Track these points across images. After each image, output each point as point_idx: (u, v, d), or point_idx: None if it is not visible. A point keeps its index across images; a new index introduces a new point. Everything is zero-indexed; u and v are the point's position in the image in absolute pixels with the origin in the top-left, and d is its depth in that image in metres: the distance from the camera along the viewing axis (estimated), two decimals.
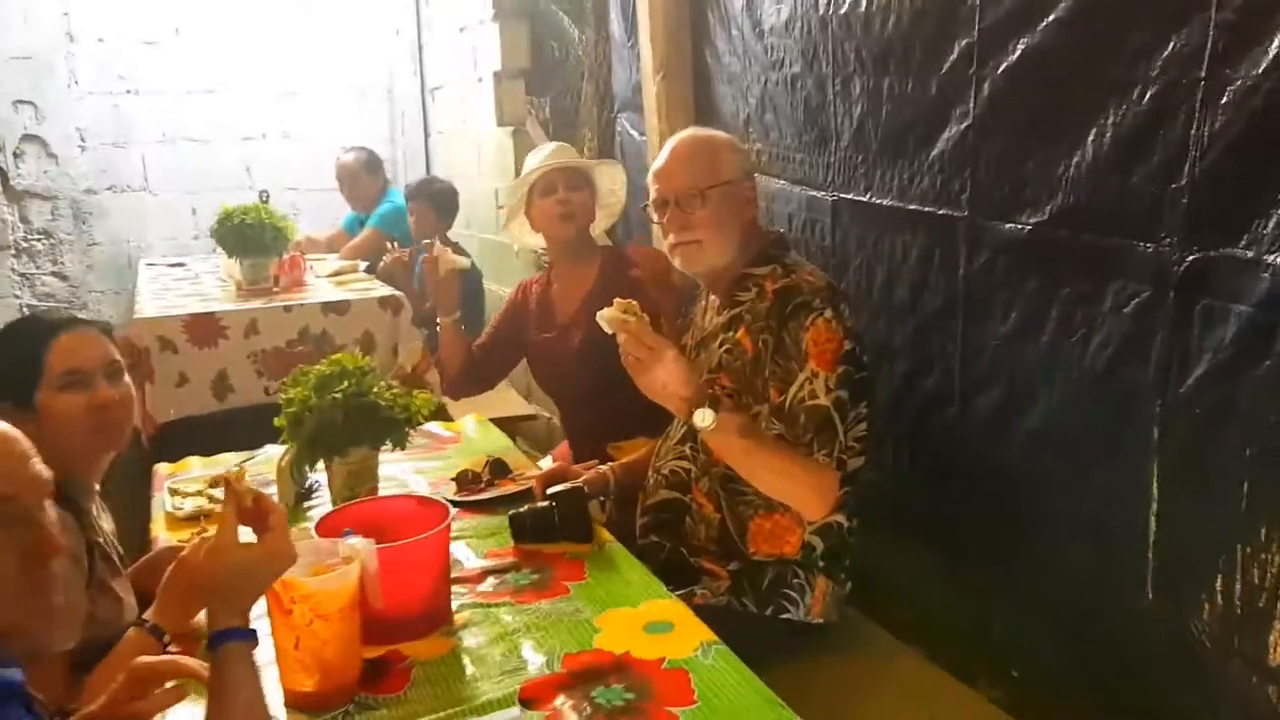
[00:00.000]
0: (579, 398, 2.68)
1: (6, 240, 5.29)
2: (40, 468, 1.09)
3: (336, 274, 4.31)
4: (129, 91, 5.35)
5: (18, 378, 1.61)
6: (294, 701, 1.44)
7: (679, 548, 2.03)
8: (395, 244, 4.33)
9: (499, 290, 4.60)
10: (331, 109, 5.76)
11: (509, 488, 2.23)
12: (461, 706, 1.43)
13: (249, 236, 3.80)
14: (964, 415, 2.07)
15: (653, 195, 2.00)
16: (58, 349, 1.63)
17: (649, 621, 1.66)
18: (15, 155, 5.21)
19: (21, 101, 5.15)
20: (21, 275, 5.38)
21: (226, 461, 2.55)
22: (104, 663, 1.58)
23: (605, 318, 1.78)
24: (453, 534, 2.03)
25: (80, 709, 1.30)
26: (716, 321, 2.04)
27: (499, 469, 2.32)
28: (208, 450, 2.62)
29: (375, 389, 2.06)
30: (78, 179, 5.36)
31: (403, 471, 2.42)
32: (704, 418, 1.76)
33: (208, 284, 4.24)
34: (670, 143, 2.01)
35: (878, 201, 2.22)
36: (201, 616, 1.55)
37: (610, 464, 2.27)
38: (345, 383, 2.03)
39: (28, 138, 5.21)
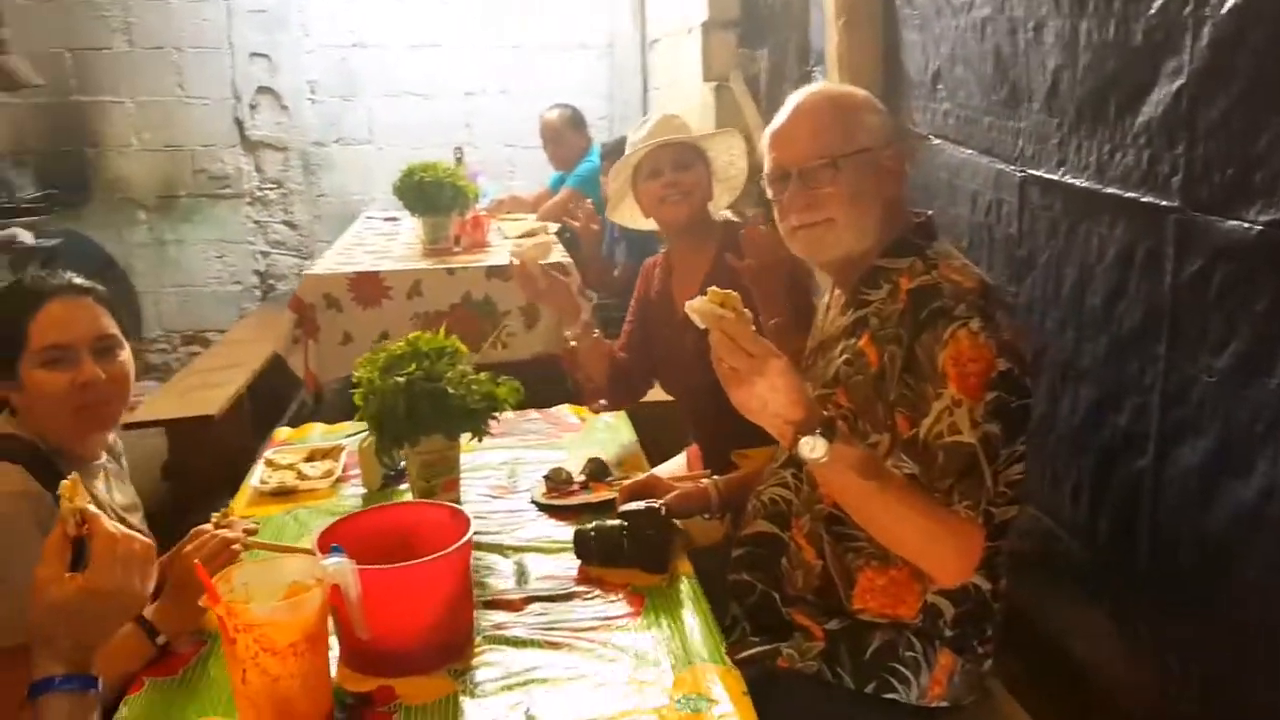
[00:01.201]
0: (701, 398, 2.38)
1: (243, 189, 5.60)
2: None
3: (526, 235, 4.20)
4: (356, 45, 5.49)
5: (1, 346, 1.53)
6: None
7: (771, 592, 1.71)
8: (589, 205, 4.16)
9: None
10: (551, 64, 5.67)
11: (601, 494, 1.99)
12: None
13: (428, 195, 3.74)
14: (1161, 467, 1.60)
15: (768, 166, 1.66)
16: (43, 320, 1.53)
17: (686, 693, 1.37)
18: (251, 107, 5.48)
19: (257, 54, 5.40)
20: (256, 223, 5.69)
21: (344, 430, 2.47)
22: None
23: (696, 310, 1.39)
24: (522, 543, 1.83)
25: None
26: (839, 324, 1.68)
27: (597, 470, 2.08)
28: None
29: (449, 374, 1.87)
30: (307, 131, 5.58)
31: (505, 459, 2.24)
32: (813, 448, 1.37)
33: (402, 240, 4.25)
34: (793, 100, 1.65)
35: (1071, 181, 1.76)
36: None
37: (715, 477, 1.97)
38: (413, 366, 1.85)
39: (262, 89, 5.47)
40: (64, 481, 1.05)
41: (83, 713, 1.00)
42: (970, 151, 2.13)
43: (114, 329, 1.60)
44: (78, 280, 1.59)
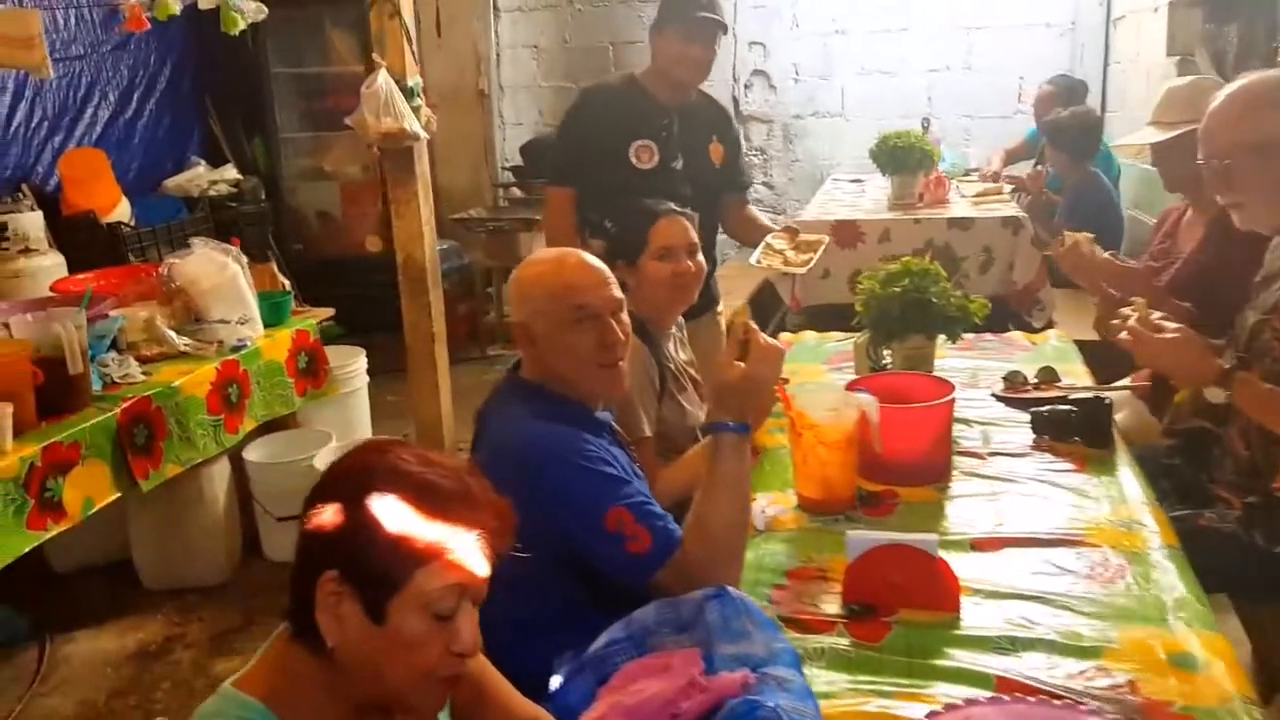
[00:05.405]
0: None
1: None
2: (614, 292, 1.58)
3: (981, 195, 4.46)
4: (837, 32, 5.97)
5: (631, 245, 2.16)
6: (802, 502, 1.82)
7: (1199, 474, 1.97)
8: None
9: (1144, 218, 4.36)
10: (1013, 42, 5.77)
11: (1050, 393, 2.32)
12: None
13: (899, 157, 4.14)
14: None
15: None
16: (658, 229, 2.14)
17: (1122, 519, 1.71)
18: (745, 87, 6.18)
19: (754, 42, 6.07)
20: None
21: (832, 337, 2.97)
22: (684, 457, 2.08)
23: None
24: (985, 419, 2.22)
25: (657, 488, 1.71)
26: None
27: (1048, 375, 2.41)
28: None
29: (933, 289, 2.29)
30: (789, 106, 6.17)
31: (966, 366, 2.63)
32: (1214, 395, 1.76)
33: (869, 197, 4.70)
34: (1220, 93, 1.87)
35: None
36: None
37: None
38: (906, 280, 2.30)
39: (756, 72, 6.14)
40: (736, 305, 1.62)
41: (741, 445, 1.54)
42: None
43: (696, 239, 2.19)
44: (675, 207, 2.21)
